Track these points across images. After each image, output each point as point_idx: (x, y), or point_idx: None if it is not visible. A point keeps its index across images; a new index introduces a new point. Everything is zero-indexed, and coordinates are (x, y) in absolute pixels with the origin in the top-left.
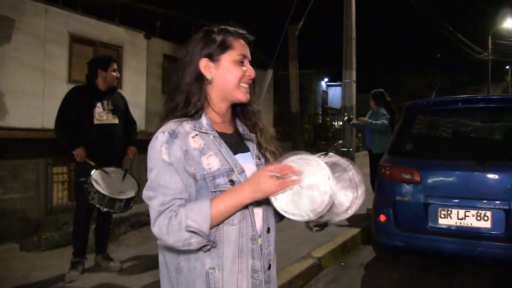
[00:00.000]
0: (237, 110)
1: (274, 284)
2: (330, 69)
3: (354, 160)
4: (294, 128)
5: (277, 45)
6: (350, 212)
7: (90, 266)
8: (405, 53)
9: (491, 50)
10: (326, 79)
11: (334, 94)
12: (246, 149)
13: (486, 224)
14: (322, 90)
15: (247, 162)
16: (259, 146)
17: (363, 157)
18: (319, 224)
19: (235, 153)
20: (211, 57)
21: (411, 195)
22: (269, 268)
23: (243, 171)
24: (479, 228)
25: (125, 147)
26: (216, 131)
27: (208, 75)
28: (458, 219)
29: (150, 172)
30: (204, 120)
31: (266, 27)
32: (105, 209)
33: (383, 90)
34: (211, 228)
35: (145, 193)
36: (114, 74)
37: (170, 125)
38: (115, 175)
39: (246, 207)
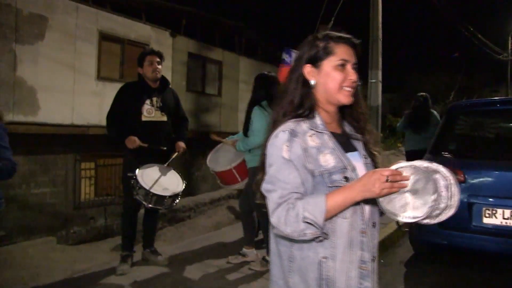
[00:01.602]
0: (345, 111)
1: (377, 275)
2: None
3: None
4: None
5: None
6: (442, 218)
7: (137, 259)
8: (423, 53)
9: (511, 50)
10: None
11: None
12: (354, 149)
13: None
14: None
15: (356, 160)
16: (365, 146)
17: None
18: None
19: (345, 152)
20: (314, 63)
21: None
22: (373, 260)
23: (355, 169)
24: None
25: (174, 143)
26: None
27: (311, 80)
28: (504, 218)
29: (269, 167)
30: (318, 120)
31: (292, 26)
32: (149, 205)
33: (418, 95)
34: (325, 221)
35: (264, 186)
36: (151, 67)
37: (289, 124)
38: (161, 172)
39: (357, 202)
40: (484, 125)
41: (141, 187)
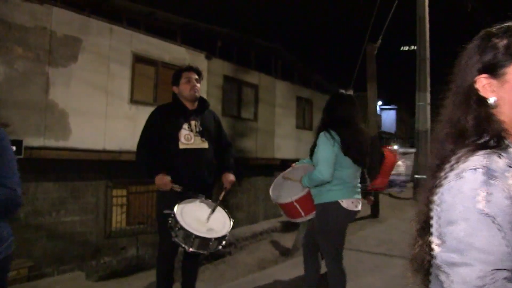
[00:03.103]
0: None
1: None
2: (383, 92)
3: None
4: (374, 153)
5: (355, 66)
6: None
7: None
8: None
9: None
10: (379, 103)
11: (387, 118)
12: None
13: None
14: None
15: None
16: None
17: None
18: None
19: None
20: (492, 72)
21: None
22: None
23: None
24: None
25: (217, 174)
26: None
27: (489, 97)
28: None
29: (452, 225)
30: None
31: (329, 48)
32: (191, 249)
33: None
34: None
35: (446, 256)
36: (189, 85)
37: (480, 159)
38: (204, 208)
39: None
40: None
41: (181, 227)
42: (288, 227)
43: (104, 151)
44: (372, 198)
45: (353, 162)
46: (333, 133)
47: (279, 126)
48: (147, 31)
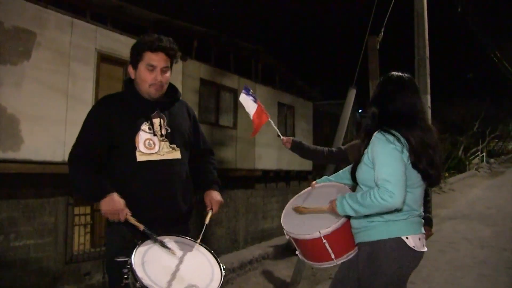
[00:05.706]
0: None
1: None
2: (362, 100)
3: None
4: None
5: (339, 69)
6: None
7: None
8: (446, 80)
9: None
10: (360, 110)
11: None
12: None
13: None
14: (356, 121)
15: None
16: None
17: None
18: None
19: None
20: None
21: None
22: None
23: None
24: None
25: (197, 195)
26: None
27: None
28: None
29: None
30: None
31: (311, 52)
32: None
33: None
34: None
35: None
36: (151, 75)
37: None
38: (178, 250)
39: None
40: None
41: (142, 286)
42: (283, 252)
43: (64, 163)
44: (431, 228)
45: (422, 178)
46: (396, 133)
47: (260, 134)
48: (114, 27)
